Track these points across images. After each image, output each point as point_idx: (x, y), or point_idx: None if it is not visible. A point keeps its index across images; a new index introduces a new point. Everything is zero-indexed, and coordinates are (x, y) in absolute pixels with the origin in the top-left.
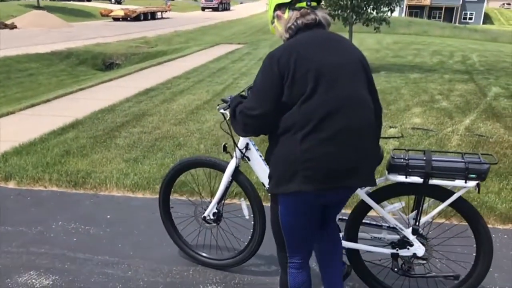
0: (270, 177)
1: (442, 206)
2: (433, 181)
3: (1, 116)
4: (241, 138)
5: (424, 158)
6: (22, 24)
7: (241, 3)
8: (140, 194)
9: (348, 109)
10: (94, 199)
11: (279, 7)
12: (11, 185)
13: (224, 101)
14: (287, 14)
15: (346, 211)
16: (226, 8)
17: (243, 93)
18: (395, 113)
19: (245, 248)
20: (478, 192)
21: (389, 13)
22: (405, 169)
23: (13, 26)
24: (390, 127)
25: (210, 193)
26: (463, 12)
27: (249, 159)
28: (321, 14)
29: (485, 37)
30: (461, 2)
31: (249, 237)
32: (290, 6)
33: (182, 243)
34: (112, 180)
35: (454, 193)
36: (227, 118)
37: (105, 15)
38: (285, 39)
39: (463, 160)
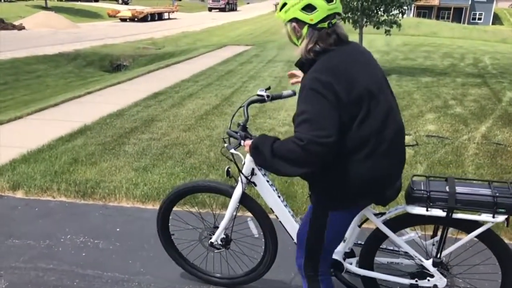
0: (326, 194)
1: (467, 239)
2: (457, 215)
3: (9, 121)
4: (247, 163)
5: (447, 189)
6: (30, 25)
7: (248, 3)
8: (150, 205)
9: (392, 121)
10: (103, 211)
11: (297, 20)
12: (19, 194)
13: (231, 135)
14: (305, 31)
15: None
16: (233, 9)
17: (237, 128)
18: (409, 119)
19: (257, 267)
20: (507, 225)
21: (400, 16)
22: (426, 202)
23: (21, 27)
24: (405, 134)
25: (213, 217)
26: (472, 13)
27: (255, 185)
28: (340, 31)
29: (495, 37)
30: (470, 2)
31: (261, 256)
32: (312, 25)
33: (189, 266)
34: (122, 191)
35: (481, 224)
36: (242, 162)
37: (112, 15)
38: (305, 55)
39: (490, 192)
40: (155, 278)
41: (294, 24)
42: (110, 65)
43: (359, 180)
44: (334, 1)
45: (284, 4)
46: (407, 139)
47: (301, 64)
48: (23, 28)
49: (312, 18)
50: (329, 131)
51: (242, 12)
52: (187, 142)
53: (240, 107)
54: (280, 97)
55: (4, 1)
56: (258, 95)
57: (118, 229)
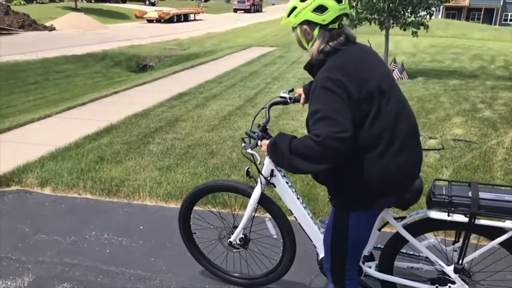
0: (343, 195)
1: (490, 245)
2: (480, 222)
3: (39, 119)
4: (266, 164)
5: (470, 194)
6: (60, 26)
7: (273, 4)
8: (173, 204)
9: (403, 119)
10: (127, 208)
11: (308, 22)
12: (47, 191)
13: (249, 135)
14: (316, 33)
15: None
16: (258, 10)
17: (256, 128)
18: (435, 122)
19: (276, 268)
20: None
21: (427, 17)
22: (448, 207)
23: (52, 28)
24: (430, 138)
25: (232, 217)
26: (504, 13)
27: (274, 186)
28: (348, 32)
29: None
30: (501, 3)
31: (280, 257)
32: (323, 26)
33: (210, 265)
34: (146, 189)
35: (505, 231)
36: (258, 161)
37: (139, 17)
38: (316, 56)
39: None
40: (177, 277)
41: (305, 26)
42: (137, 65)
43: (374, 179)
44: (344, 2)
45: (294, 9)
46: (433, 142)
47: (310, 67)
48: (54, 29)
49: (324, 18)
50: (344, 126)
51: (267, 13)
52: (210, 143)
53: (262, 108)
54: None
55: (36, 2)
56: (281, 97)
57: (141, 227)
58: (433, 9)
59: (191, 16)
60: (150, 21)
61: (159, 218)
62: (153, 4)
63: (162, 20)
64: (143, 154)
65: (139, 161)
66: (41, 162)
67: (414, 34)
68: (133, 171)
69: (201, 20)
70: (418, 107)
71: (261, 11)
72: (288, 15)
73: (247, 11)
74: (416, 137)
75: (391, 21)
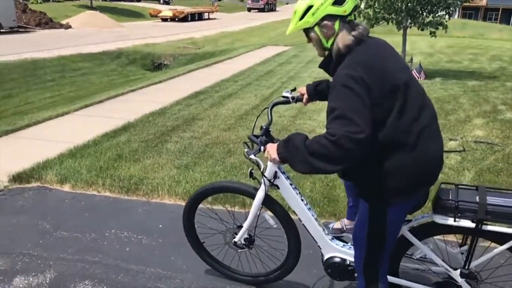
0: (379, 191)
1: (498, 251)
2: (488, 227)
3: (57, 116)
4: (269, 166)
5: (477, 199)
6: (76, 24)
7: (287, 3)
8: None
9: (426, 107)
10: (146, 207)
11: (329, 17)
12: (66, 188)
13: (252, 140)
14: (337, 26)
15: None
16: (272, 9)
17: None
18: (455, 124)
19: (280, 267)
20: None
21: (446, 17)
22: (454, 211)
23: (68, 26)
24: (450, 139)
25: (232, 219)
26: None
27: (278, 187)
28: (362, 25)
29: None
30: None
31: (283, 260)
32: (342, 18)
33: (210, 259)
34: (164, 188)
35: None
36: (263, 168)
37: (154, 15)
38: (338, 51)
39: None
40: (197, 277)
41: (325, 22)
42: (152, 63)
43: (410, 170)
44: None
45: (308, 9)
46: (453, 144)
47: (326, 65)
48: (70, 27)
49: (345, 9)
50: (361, 127)
51: (281, 13)
52: (227, 142)
53: (264, 108)
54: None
55: (53, 1)
56: (283, 96)
57: (160, 226)
58: (452, 9)
59: (205, 15)
60: (164, 19)
61: (178, 217)
62: (167, 3)
63: (176, 19)
64: (161, 153)
65: (157, 160)
66: (60, 159)
67: (432, 34)
68: (152, 169)
69: (215, 19)
70: (437, 108)
71: (275, 10)
72: (301, 18)
73: (261, 10)
74: (437, 124)
75: (409, 21)
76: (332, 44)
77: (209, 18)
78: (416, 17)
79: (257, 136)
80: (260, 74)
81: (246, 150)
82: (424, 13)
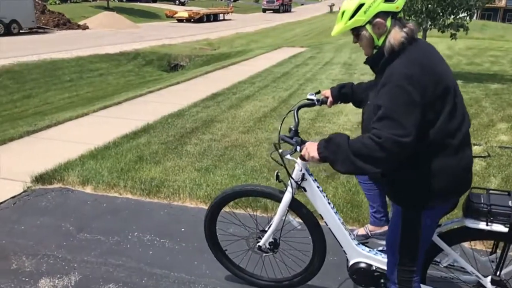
0: (416, 191)
1: None
2: None
3: (76, 117)
4: (297, 168)
5: (510, 203)
6: (93, 25)
7: (302, 4)
8: None
9: (466, 113)
10: (168, 209)
11: (382, 14)
12: (88, 190)
13: (286, 141)
14: (389, 23)
15: None
16: (287, 10)
17: (288, 134)
18: (478, 128)
19: (303, 272)
20: None
21: (468, 19)
22: (486, 215)
23: (85, 27)
24: (474, 144)
25: (255, 223)
26: None
27: (305, 190)
28: (408, 24)
29: None
30: None
31: (307, 264)
32: (393, 15)
33: (230, 265)
34: (185, 190)
35: None
36: (300, 168)
37: (170, 16)
38: (392, 48)
39: None
40: (220, 282)
41: (378, 19)
42: (168, 64)
43: (451, 174)
44: None
45: (359, 7)
46: (478, 149)
47: (374, 62)
48: (87, 27)
49: (397, 5)
50: (408, 130)
51: (296, 13)
52: (246, 144)
53: (290, 111)
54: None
55: (70, 2)
56: (308, 99)
57: (183, 229)
58: (474, 10)
59: (220, 16)
60: (180, 20)
61: (199, 221)
62: (183, 4)
63: (192, 20)
64: (181, 155)
65: (177, 162)
66: (81, 161)
67: (453, 36)
68: (172, 171)
69: (230, 20)
70: None
71: (290, 11)
72: (351, 17)
73: (276, 11)
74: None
75: (429, 23)
76: (384, 41)
77: (224, 19)
78: (437, 19)
79: (289, 137)
80: (277, 76)
81: (280, 151)
82: (445, 15)
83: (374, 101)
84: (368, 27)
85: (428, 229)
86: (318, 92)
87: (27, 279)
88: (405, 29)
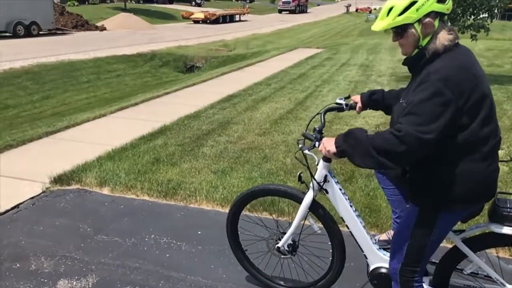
0: (437, 192)
1: None
2: None
3: (94, 119)
4: (320, 169)
5: None
6: (110, 26)
7: (318, 5)
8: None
9: (497, 122)
10: (185, 212)
11: (433, 14)
12: (105, 191)
13: (307, 137)
14: (437, 24)
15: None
16: (303, 11)
17: (312, 133)
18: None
19: (323, 277)
20: None
21: (489, 20)
22: None
23: (103, 28)
24: None
25: (276, 224)
26: None
27: (327, 192)
28: (455, 30)
29: None
30: None
31: (326, 269)
32: (441, 17)
33: (255, 271)
34: (202, 193)
35: None
36: (317, 162)
37: (186, 17)
38: (437, 50)
39: None
40: (237, 286)
41: (428, 19)
42: (184, 66)
43: (477, 179)
44: None
45: (412, 4)
46: (500, 153)
47: (415, 62)
48: (105, 29)
49: (448, 7)
50: (431, 128)
51: (312, 14)
52: (263, 147)
53: (318, 113)
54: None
55: (88, 3)
56: (336, 103)
57: (199, 232)
58: (495, 11)
59: (236, 17)
60: (196, 21)
61: (216, 224)
62: (199, 5)
63: (208, 21)
64: (197, 157)
65: (194, 164)
66: (99, 162)
67: (473, 37)
68: (189, 173)
69: (246, 21)
70: None
71: (306, 11)
72: (401, 13)
73: (292, 11)
74: None
75: (449, 24)
76: (429, 42)
77: (240, 20)
78: (457, 19)
79: (310, 134)
80: (293, 77)
81: (300, 146)
82: (465, 16)
83: (406, 99)
84: (417, 25)
85: (441, 233)
86: (348, 97)
87: (45, 280)
88: (452, 32)
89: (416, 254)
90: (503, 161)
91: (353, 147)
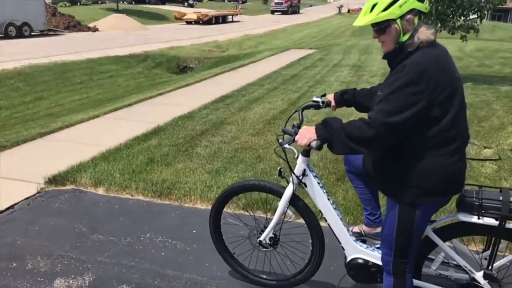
0: (412, 187)
1: None
2: (511, 225)
3: (88, 119)
4: (299, 164)
5: (501, 198)
6: (103, 27)
7: (311, 6)
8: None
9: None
10: (179, 211)
11: (414, 11)
12: (100, 191)
13: (286, 132)
14: (417, 21)
15: None
16: (296, 11)
17: (291, 128)
18: (489, 131)
19: (303, 269)
20: None
21: (478, 21)
22: (478, 209)
23: (95, 29)
24: (485, 147)
25: (265, 216)
26: None
27: (306, 185)
28: (433, 27)
29: None
30: None
31: (307, 261)
32: (420, 15)
33: (234, 263)
34: (196, 192)
35: None
36: (296, 155)
37: (178, 18)
38: (414, 45)
39: None
40: (231, 283)
41: (409, 16)
42: (177, 66)
43: (449, 172)
44: None
45: (396, 0)
46: (489, 152)
47: (394, 56)
48: (97, 30)
49: (426, 7)
50: (400, 116)
51: (304, 15)
52: (256, 147)
53: (296, 111)
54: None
55: (80, 4)
56: (313, 101)
57: (194, 231)
58: (485, 12)
59: (229, 18)
60: (189, 22)
61: None
62: (191, 6)
63: (201, 22)
64: (191, 157)
65: (188, 164)
66: (93, 162)
67: (463, 38)
68: (183, 173)
69: (238, 21)
70: (469, 114)
71: (298, 12)
72: (385, 9)
73: (284, 12)
74: None
75: (439, 25)
76: (409, 38)
77: (233, 21)
78: (446, 20)
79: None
80: (286, 78)
81: (280, 141)
82: (455, 17)
83: (383, 91)
84: (399, 21)
85: (422, 222)
86: (324, 95)
87: (42, 279)
88: (430, 28)
89: (405, 246)
90: (492, 159)
91: (331, 134)
